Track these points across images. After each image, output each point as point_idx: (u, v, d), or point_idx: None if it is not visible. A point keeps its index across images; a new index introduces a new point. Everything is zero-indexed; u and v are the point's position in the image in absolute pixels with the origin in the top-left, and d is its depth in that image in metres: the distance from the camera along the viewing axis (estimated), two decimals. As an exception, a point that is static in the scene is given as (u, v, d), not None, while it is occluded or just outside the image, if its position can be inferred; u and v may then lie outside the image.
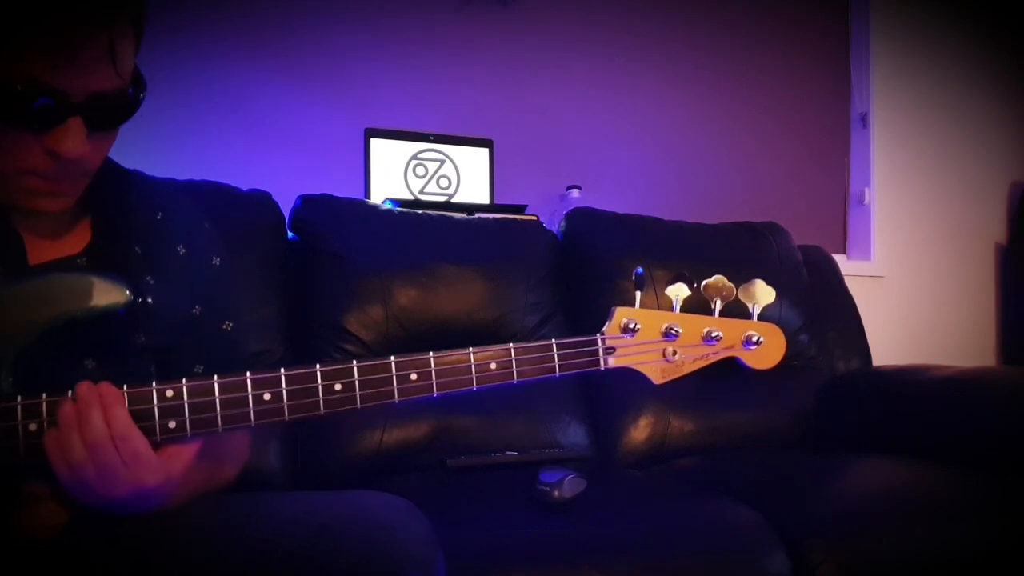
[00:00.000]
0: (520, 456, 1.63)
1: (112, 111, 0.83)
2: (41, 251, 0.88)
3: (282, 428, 1.58)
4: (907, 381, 1.90)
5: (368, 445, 1.62)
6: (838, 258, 2.42)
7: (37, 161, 0.80)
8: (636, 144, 2.57)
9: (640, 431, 1.83)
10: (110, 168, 0.94)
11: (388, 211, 1.89)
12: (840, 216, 2.90)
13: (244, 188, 1.77)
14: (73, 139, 0.80)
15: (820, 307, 2.17)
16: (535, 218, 2.08)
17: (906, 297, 2.86)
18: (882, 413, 1.88)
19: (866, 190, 2.84)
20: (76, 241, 0.91)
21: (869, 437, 1.86)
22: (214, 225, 1.05)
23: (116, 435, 0.75)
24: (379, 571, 0.75)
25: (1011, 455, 1.56)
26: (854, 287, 2.33)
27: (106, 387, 0.76)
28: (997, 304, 3.03)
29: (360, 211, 1.87)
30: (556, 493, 1.28)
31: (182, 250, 0.98)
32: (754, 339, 0.97)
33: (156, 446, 0.77)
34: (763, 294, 0.98)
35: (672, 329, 0.94)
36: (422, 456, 1.63)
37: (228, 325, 1.02)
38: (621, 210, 2.12)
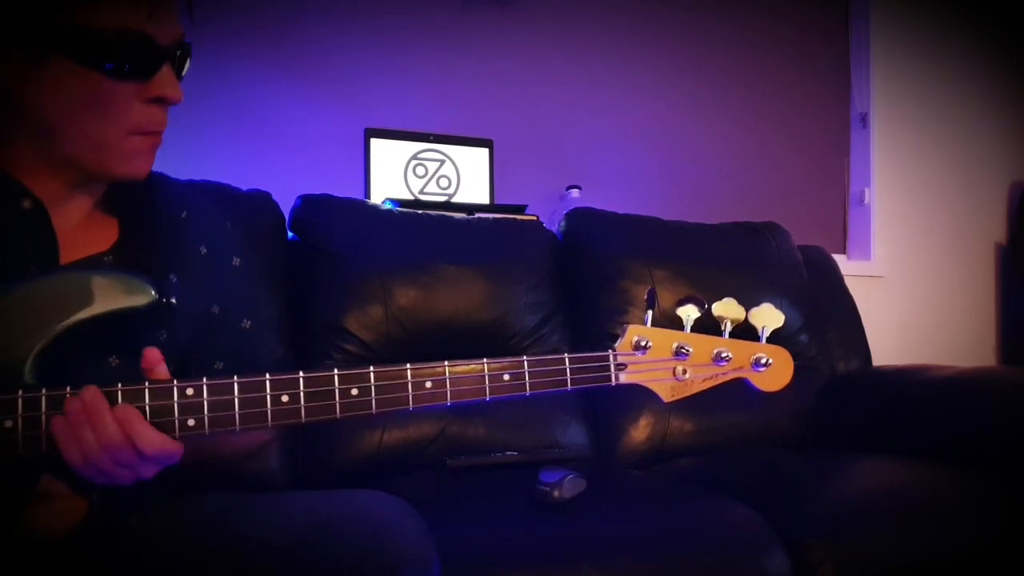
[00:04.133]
0: (520, 456, 1.63)
1: (184, 59, 0.86)
2: (70, 249, 0.88)
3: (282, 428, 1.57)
4: (907, 381, 1.90)
5: (368, 445, 1.62)
6: (838, 258, 2.41)
7: (142, 115, 0.83)
8: (636, 144, 2.57)
9: (640, 431, 1.83)
10: None
11: (388, 211, 1.89)
12: (840, 216, 2.90)
13: (244, 188, 1.77)
14: (172, 83, 0.83)
15: (820, 307, 2.17)
16: (535, 218, 2.08)
17: (906, 297, 2.86)
18: (882, 413, 1.88)
19: (866, 190, 2.84)
20: (103, 239, 0.92)
21: (869, 437, 1.85)
22: (235, 226, 1.05)
23: (131, 434, 0.74)
24: (373, 569, 0.75)
25: (1011, 455, 1.56)
26: (854, 287, 2.33)
27: (92, 393, 0.75)
28: (997, 304, 3.03)
29: (360, 211, 1.87)
30: (556, 493, 1.28)
31: (203, 250, 0.99)
32: (763, 361, 0.99)
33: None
34: (772, 318, 0.99)
35: (683, 348, 0.96)
36: (422, 456, 1.64)
37: (247, 324, 1.03)
38: (621, 210, 2.12)
